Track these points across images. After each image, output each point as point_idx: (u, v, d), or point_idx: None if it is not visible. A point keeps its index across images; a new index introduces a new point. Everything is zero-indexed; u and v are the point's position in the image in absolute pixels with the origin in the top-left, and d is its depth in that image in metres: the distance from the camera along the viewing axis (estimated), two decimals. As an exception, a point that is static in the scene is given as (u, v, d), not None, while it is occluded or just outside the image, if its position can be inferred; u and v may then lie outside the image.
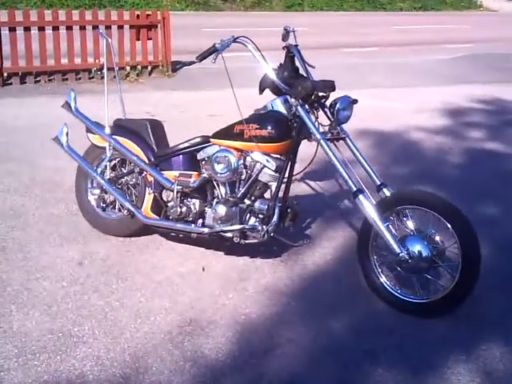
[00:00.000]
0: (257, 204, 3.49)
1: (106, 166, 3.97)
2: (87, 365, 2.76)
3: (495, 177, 5.51)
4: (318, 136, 3.31)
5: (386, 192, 3.36)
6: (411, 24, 21.18)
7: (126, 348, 2.89)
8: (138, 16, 9.69)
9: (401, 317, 3.21)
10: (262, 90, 3.61)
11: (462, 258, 3.03)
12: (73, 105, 4.06)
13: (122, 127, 3.96)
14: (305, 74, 3.64)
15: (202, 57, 3.44)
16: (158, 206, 3.83)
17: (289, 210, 3.62)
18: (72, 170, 4.30)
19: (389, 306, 3.29)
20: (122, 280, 3.50)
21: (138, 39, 9.71)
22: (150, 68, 10.06)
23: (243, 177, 3.56)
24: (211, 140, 3.65)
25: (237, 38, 3.46)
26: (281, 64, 3.62)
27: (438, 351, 2.93)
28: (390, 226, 3.22)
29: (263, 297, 3.38)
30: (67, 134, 4.10)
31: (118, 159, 4.05)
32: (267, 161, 3.46)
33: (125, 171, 4.04)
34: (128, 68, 9.74)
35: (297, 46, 3.61)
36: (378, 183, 3.41)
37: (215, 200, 3.63)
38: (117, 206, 4.08)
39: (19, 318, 3.11)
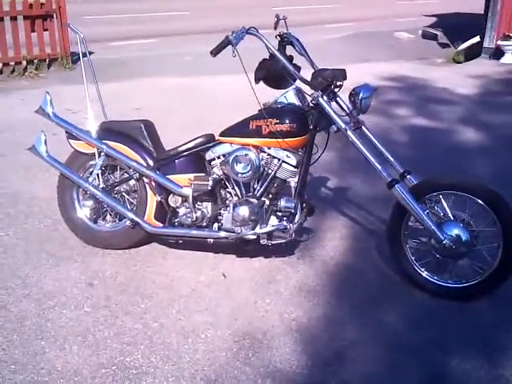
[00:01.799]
0: (282, 202, 3.35)
1: (97, 175, 3.62)
2: (162, 397, 2.50)
3: (448, 151, 5.69)
4: (344, 126, 3.21)
5: (412, 179, 3.33)
6: (287, 5, 21.45)
7: (194, 373, 2.67)
8: (31, 5, 8.99)
9: (443, 302, 3.21)
10: (258, 80, 3.44)
11: (503, 239, 3.07)
12: (50, 110, 3.67)
13: (112, 131, 3.63)
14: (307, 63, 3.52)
15: (217, 50, 3.21)
16: (162, 213, 3.57)
17: (304, 205, 3.50)
18: (23, 178, 3.87)
19: (426, 292, 3.27)
20: (147, 298, 3.24)
21: (34, 31, 9.03)
22: (47, 61, 9.38)
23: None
24: (220, 138, 3.45)
25: (248, 29, 3.27)
26: (270, 54, 3.46)
27: (496, 333, 2.96)
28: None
29: (301, 298, 3.26)
30: (46, 142, 3.70)
31: (106, 166, 3.70)
32: (287, 156, 3.33)
33: (116, 178, 3.71)
34: (24, 62, 9.02)
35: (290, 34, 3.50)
36: (401, 171, 3.38)
37: (232, 201, 3.42)
38: (108, 218, 3.75)
39: (56, 354, 2.78)
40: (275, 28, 3.55)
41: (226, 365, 2.73)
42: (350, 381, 2.64)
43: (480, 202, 3.11)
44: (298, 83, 3.36)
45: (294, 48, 3.63)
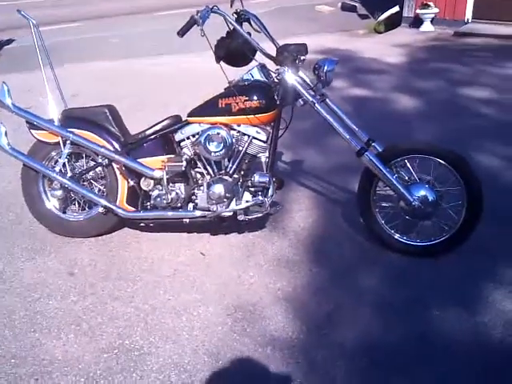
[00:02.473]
0: (256, 177, 3.42)
1: (64, 164, 3.59)
2: (170, 374, 2.57)
3: (390, 118, 5.89)
4: (312, 99, 3.31)
5: (377, 146, 3.47)
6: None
7: (195, 348, 2.74)
8: None
9: (414, 260, 3.40)
10: (219, 59, 3.47)
11: (467, 197, 3.27)
12: (8, 101, 3.58)
13: (75, 118, 3.59)
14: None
15: (183, 31, 3.23)
16: (134, 198, 3.59)
17: (274, 179, 3.59)
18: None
19: (398, 253, 3.45)
20: (131, 281, 3.27)
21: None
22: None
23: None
24: (189, 119, 3.48)
25: (212, 7, 3.30)
26: (228, 32, 3.52)
27: (466, 285, 3.18)
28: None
29: (282, 269, 3.38)
30: (6, 133, 3.63)
31: (71, 154, 3.66)
32: (257, 132, 3.40)
33: (82, 166, 3.69)
34: None
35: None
36: (366, 139, 3.51)
37: (205, 181, 3.48)
38: (77, 206, 3.74)
39: (54, 344, 2.79)
40: (231, 6, 3.58)
41: (225, 338, 2.81)
42: (344, 342, 2.77)
43: (443, 163, 3.29)
44: (261, 59, 3.41)
45: (251, 25, 3.67)
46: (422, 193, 3.33)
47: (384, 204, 3.52)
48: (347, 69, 8.15)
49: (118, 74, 8.20)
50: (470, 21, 11.42)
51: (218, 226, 3.56)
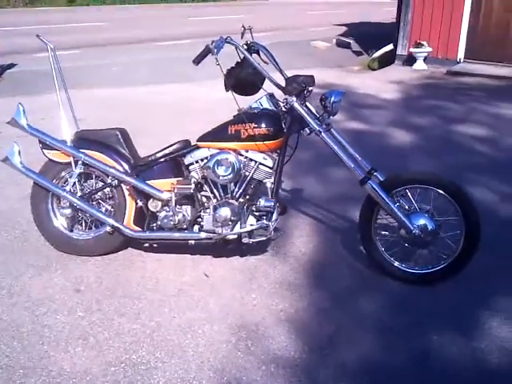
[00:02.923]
0: (262, 202, 3.53)
1: (74, 183, 3.69)
2: (177, 389, 2.64)
3: (389, 152, 6.04)
4: (318, 128, 3.45)
5: (379, 176, 3.59)
6: (203, 15, 21.70)
7: (200, 364, 2.81)
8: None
9: (413, 288, 3.51)
10: (229, 88, 3.61)
11: (465, 227, 3.39)
12: (24, 121, 3.69)
13: (87, 140, 3.70)
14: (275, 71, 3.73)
15: (199, 59, 3.37)
16: (141, 218, 3.68)
17: (278, 205, 3.70)
18: None
19: (397, 280, 3.55)
20: (136, 299, 3.35)
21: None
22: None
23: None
24: (199, 144, 3.60)
25: (226, 38, 3.45)
26: (237, 62, 3.66)
27: (469, 311, 3.29)
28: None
29: (284, 291, 3.46)
30: (20, 153, 3.72)
31: (80, 174, 3.76)
32: (264, 158, 3.52)
33: (91, 186, 3.78)
34: None
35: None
36: (369, 168, 3.63)
37: (212, 204, 3.58)
38: (83, 225, 3.83)
39: (62, 357, 2.86)
40: (241, 37, 3.73)
41: (229, 355, 2.89)
42: (345, 362, 2.85)
43: (443, 193, 3.41)
44: (268, 89, 3.54)
45: (260, 56, 3.81)
46: (422, 222, 3.44)
47: (384, 232, 3.62)
48: (345, 103, 8.29)
49: (120, 100, 8.35)
50: (462, 60, 11.70)
51: (222, 248, 3.65)
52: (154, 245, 3.75)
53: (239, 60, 3.64)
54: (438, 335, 3.05)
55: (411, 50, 11.84)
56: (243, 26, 3.72)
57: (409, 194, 3.52)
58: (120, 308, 3.25)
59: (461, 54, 11.72)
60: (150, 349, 2.91)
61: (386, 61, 12.31)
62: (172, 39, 14.63)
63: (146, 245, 3.82)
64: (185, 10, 23.49)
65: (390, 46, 12.27)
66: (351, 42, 14.71)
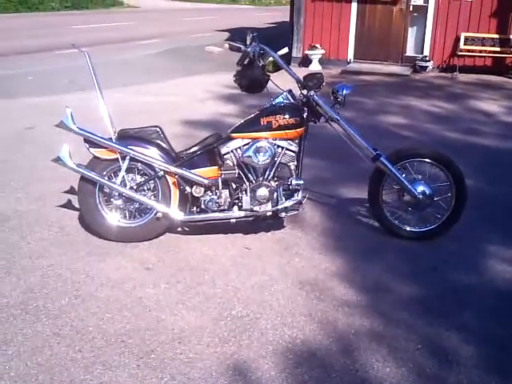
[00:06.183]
0: (293, 181, 4.18)
1: (123, 177, 4.13)
2: (284, 330, 3.25)
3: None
4: (336, 117, 4.17)
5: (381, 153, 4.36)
6: (85, 23, 21.54)
7: (291, 312, 3.43)
8: None
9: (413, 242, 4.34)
10: (243, 88, 4.28)
11: (455, 191, 4.25)
12: (73, 125, 4.06)
13: (131, 137, 4.16)
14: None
15: (242, 62, 3.97)
16: (184, 203, 4.20)
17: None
18: None
19: (403, 239, 4.35)
20: (204, 271, 3.87)
21: None
22: None
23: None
24: (232, 135, 4.18)
25: (258, 42, 4.07)
26: (244, 64, 4.33)
27: (460, 258, 4.16)
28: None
29: (317, 255, 4.14)
30: (70, 152, 4.10)
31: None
32: (289, 144, 4.20)
33: (135, 179, 4.22)
34: None
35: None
36: (374, 151, 4.37)
37: (249, 186, 4.17)
38: (127, 215, 4.29)
39: (174, 319, 3.35)
40: (250, 44, 4.36)
41: (308, 303, 3.53)
42: (397, 298, 3.60)
43: (437, 164, 4.25)
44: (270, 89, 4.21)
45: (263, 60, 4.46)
46: (422, 188, 4.26)
47: (389, 200, 4.41)
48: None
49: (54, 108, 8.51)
50: (352, 61, 12.93)
51: (259, 224, 4.25)
52: (186, 228, 4.27)
53: (245, 63, 4.29)
54: (455, 276, 3.88)
55: (306, 52, 12.88)
56: (248, 33, 4.36)
57: (408, 166, 4.32)
58: (194, 278, 3.77)
59: (351, 55, 12.95)
60: (242, 305, 3.48)
61: (281, 63, 13.19)
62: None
63: (180, 229, 4.32)
64: (59, 19, 23.11)
65: (286, 50, 13.13)
66: (242, 46, 15.47)
